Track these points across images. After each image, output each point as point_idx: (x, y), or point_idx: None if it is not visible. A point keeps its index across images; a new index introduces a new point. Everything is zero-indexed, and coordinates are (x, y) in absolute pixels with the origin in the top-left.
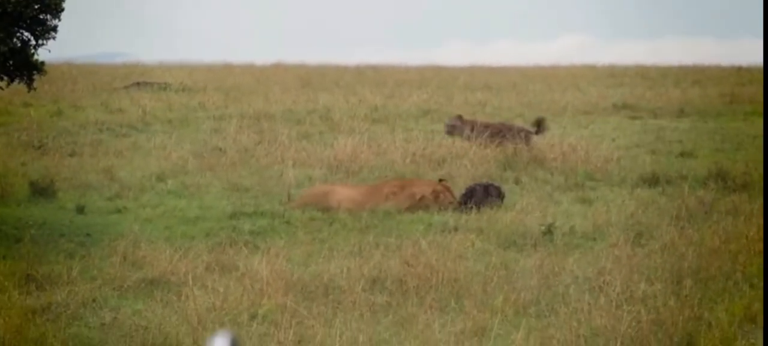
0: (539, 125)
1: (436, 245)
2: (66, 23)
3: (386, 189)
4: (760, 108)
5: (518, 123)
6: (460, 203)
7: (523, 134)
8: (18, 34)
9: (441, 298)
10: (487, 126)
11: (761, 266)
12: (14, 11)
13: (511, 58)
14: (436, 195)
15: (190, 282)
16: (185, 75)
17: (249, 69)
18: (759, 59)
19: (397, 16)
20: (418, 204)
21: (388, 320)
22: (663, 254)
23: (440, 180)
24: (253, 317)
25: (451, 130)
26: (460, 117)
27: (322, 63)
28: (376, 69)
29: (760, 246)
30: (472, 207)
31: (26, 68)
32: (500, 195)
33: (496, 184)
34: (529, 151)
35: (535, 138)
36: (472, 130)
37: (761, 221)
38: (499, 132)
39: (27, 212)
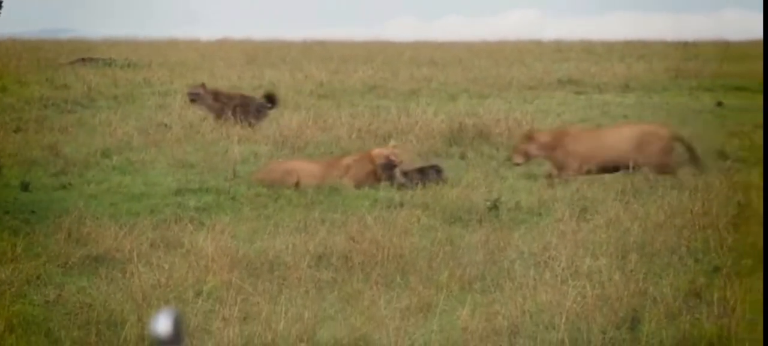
0: (270, 99)
1: (381, 220)
2: None
3: (345, 161)
4: (706, 83)
5: (257, 98)
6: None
7: (257, 107)
8: None
9: (386, 274)
10: (230, 97)
11: (706, 241)
12: None
13: (457, 34)
14: (393, 155)
15: (135, 259)
16: (130, 51)
17: (194, 44)
18: (704, 34)
19: None
20: (375, 171)
21: (333, 296)
22: (608, 229)
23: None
24: (198, 293)
25: (195, 99)
26: (203, 85)
27: (267, 38)
28: (322, 44)
29: (705, 221)
30: (418, 183)
31: None
32: (439, 175)
33: (435, 163)
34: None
35: (270, 112)
36: (215, 99)
37: (705, 197)
38: (240, 104)
39: None
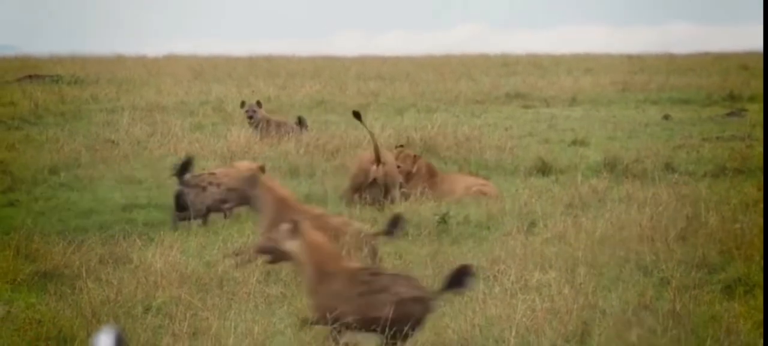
0: (301, 122)
1: None
2: None
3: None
4: (652, 96)
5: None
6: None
7: (290, 129)
8: None
9: None
10: (268, 121)
11: (655, 254)
12: None
13: (403, 49)
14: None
15: (84, 275)
16: (77, 67)
17: (141, 60)
18: (649, 47)
19: (289, 6)
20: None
21: (282, 311)
22: (557, 242)
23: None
24: (147, 309)
25: (252, 116)
26: (258, 103)
27: (214, 54)
28: (268, 60)
29: (653, 234)
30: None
31: None
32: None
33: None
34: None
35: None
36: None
37: (654, 210)
38: (276, 125)
39: None
